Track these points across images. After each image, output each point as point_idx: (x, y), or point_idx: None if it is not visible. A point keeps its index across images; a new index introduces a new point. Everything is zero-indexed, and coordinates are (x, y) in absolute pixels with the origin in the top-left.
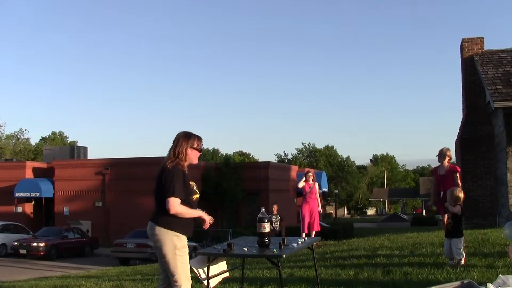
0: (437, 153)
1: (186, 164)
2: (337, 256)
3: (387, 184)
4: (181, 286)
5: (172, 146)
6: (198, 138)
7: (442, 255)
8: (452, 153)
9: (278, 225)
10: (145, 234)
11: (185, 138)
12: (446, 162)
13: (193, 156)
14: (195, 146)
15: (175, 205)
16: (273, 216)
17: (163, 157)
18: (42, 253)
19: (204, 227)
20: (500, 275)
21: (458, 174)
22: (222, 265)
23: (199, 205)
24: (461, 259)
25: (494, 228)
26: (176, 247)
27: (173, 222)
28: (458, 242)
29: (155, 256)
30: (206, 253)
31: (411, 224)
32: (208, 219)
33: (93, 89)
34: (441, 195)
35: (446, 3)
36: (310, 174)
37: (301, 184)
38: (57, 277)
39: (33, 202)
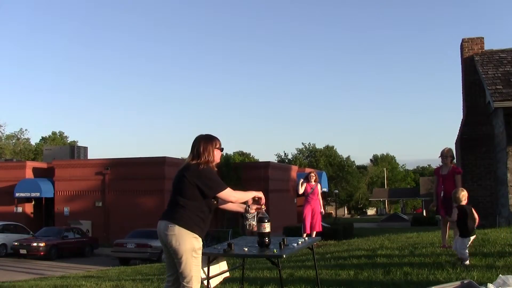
0: (439, 154)
1: (213, 165)
2: (337, 256)
3: (387, 184)
4: None
5: (197, 149)
6: (218, 138)
7: (442, 255)
8: (453, 153)
9: (254, 223)
10: (145, 234)
11: (209, 140)
12: (449, 162)
13: (218, 157)
14: (218, 146)
15: (231, 193)
16: (251, 211)
17: (163, 157)
18: (42, 253)
19: (261, 203)
20: (500, 275)
21: (460, 176)
22: (222, 265)
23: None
24: (464, 259)
25: (494, 228)
26: (194, 248)
27: (193, 223)
28: (464, 241)
29: (155, 256)
30: (206, 253)
31: (411, 224)
32: (263, 196)
33: (93, 90)
34: (442, 195)
35: (446, 3)
36: (312, 175)
37: (301, 190)
38: (57, 277)
39: (33, 202)
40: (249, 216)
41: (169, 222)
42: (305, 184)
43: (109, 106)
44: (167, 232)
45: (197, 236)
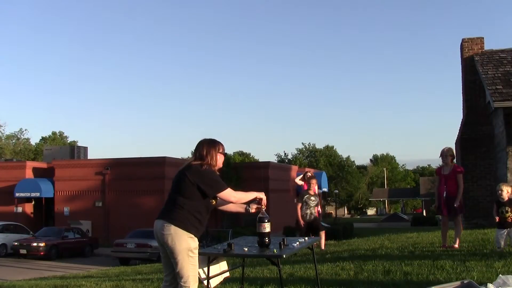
0: (439, 154)
1: (216, 169)
2: (337, 256)
3: (387, 184)
4: None
5: (199, 152)
6: (221, 143)
7: (442, 255)
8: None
9: (314, 210)
10: (145, 234)
11: (212, 144)
12: (450, 161)
13: (220, 161)
14: (221, 151)
15: (232, 193)
16: (312, 198)
17: (163, 157)
18: (42, 253)
19: (262, 204)
20: (500, 275)
21: (462, 175)
22: (223, 265)
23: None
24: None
25: (494, 228)
26: (190, 248)
27: (189, 223)
28: None
29: (155, 256)
30: (206, 253)
31: (411, 224)
32: (264, 198)
33: (93, 89)
34: (444, 195)
35: (446, 3)
36: (309, 174)
37: (299, 181)
38: (57, 277)
39: (33, 202)
40: (311, 203)
41: (165, 222)
42: (301, 176)
43: (109, 106)
44: (163, 231)
45: (193, 236)
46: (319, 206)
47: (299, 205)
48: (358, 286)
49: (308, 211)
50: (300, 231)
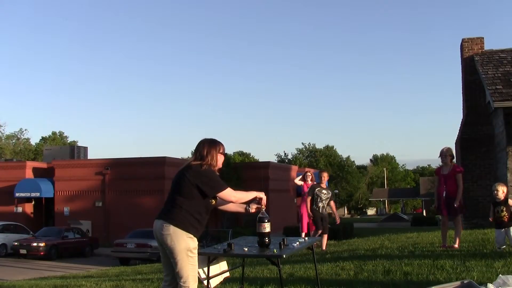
0: (439, 154)
1: (216, 169)
2: (337, 256)
3: (387, 184)
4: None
5: (200, 152)
6: (222, 144)
7: (442, 255)
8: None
9: (326, 204)
10: (145, 234)
11: (213, 145)
12: (449, 161)
13: (220, 161)
14: (221, 151)
15: (232, 193)
16: (323, 191)
17: (163, 157)
18: (42, 253)
19: (262, 204)
20: (500, 275)
21: (461, 175)
22: (223, 265)
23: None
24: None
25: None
26: (189, 248)
27: (188, 223)
28: None
29: (155, 256)
30: (206, 253)
31: (411, 224)
32: (264, 197)
33: (93, 89)
34: (444, 195)
35: (446, 4)
36: (309, 174)
37: (298, 182)
38: (57, 277)
39: (33, 202)
40: (323, 196)
41: (165, 222)
42: (300, 176)
43: (109, 106)
44: (163, 231)
45: (192, 236)
46: (332, 202)
47: (309, 198)
48: (358, 286)
49: (321, 204)
50: (317, 227)
